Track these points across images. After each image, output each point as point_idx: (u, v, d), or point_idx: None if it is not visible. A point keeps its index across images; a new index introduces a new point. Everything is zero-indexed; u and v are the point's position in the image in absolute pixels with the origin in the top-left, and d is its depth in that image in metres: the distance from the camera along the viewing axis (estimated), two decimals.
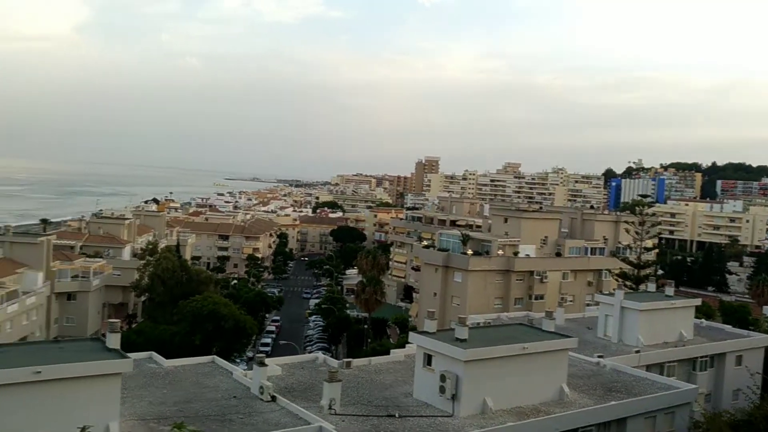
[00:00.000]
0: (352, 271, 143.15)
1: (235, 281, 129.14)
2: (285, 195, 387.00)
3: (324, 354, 44.31)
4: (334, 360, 39.83)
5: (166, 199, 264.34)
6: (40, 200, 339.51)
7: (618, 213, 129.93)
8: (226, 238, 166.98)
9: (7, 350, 26.99)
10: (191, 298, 72.81)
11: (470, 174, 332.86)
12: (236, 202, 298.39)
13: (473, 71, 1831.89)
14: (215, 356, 37.86)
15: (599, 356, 41.74)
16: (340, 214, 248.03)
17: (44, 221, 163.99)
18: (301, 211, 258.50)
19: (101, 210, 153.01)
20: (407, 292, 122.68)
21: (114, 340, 26.54)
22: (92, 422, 18.44)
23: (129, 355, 26.52)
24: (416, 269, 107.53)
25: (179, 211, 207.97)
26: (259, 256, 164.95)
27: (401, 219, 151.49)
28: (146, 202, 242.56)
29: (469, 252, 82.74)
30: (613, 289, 57.38)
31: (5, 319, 67.30)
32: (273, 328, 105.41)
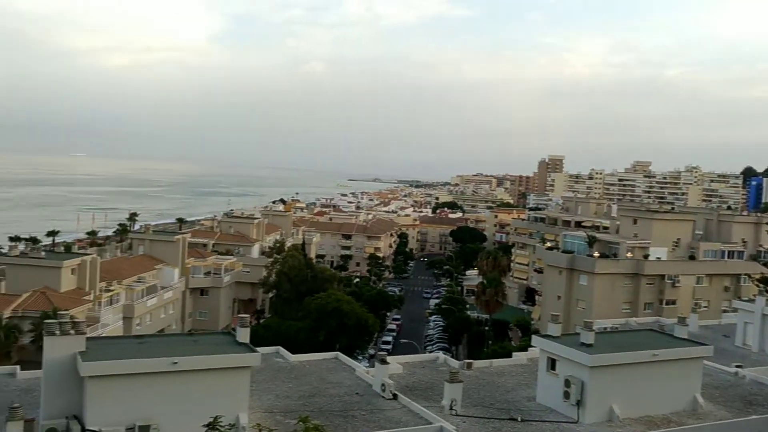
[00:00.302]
0: (473, 272, 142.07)
1: (358, 279, 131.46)
2: (405, 195, 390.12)
3: (444, 354, 44.20)
4: (455, 360, 39.59)
5: (292, 200, 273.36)
6: (176, 200, 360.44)
7: (759, 214, 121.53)
8: (348, 237, 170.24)
9: (148, 341, 28.76)
10: (316, 296, 74.81)
11: (596, 173, 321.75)
12: (358, 202, 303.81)
13: (600, 66, 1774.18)
14: (338, 352, 38.57)
15: (737, 366, 39.09)
16: (459, 214, 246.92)
17: (180, 220, 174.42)
18: (421, 212, 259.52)
19: (232, 210, 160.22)
20: (529, 295, 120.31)
21: (244, 335, 27.63)
22: (223, 412, 19.18)
23: (257, 349, 27.49)
24: (539, 271, 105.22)
25: (304, 211, 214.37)
26: (381, 255, 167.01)
27: (523, 220, 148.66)
28: (274, 202, 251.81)
29: (596, 254, 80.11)
30: (754, 296, 53.60)
31: (145, 312, 71.90)
32: (394, 327, 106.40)
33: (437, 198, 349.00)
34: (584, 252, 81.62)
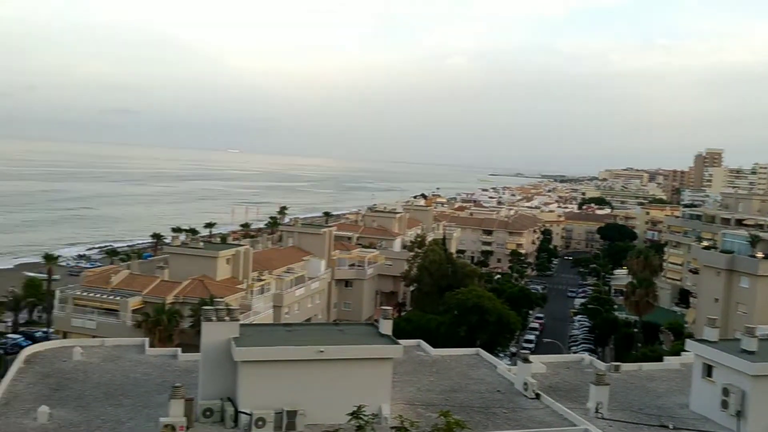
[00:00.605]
0: (621, 271, 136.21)
1: (499, 276, 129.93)
2: (549, 191, 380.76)
3: (590, 355, 42.75)
4: (601, 362, 38.24)
5: (433, 195, 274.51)
6: (323, 195, 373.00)
7: None
8: (489, 233, 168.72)
9: (296, 329, 29.95)
10: (456, 290, 74.64)
11: (761, 167, 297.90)
12: (500, 197, 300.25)
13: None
14: (479, 349, 38.35)
15: None
16: (607, 210, 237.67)
17: (326, 214, 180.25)
18: (566, 208, 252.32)
19: (375, 204, 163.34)
20: (683, 296, 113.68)
21: (386, 327, 28.09)
22: (366, 402, 19.56)
23: (399, 341, 27.84)
24: (694, 272, 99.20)
25: (445, 205, 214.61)
26: (523, 251, 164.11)
27: (677, 217, 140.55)
28: (415, 197, 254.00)
29: (759, 255, 74.42)
30: None
31: (294, 301, 74.87)
32: (536, 326, 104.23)
33: (583, 193, 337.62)
34: (746, 252, 76.17)
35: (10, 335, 75.25)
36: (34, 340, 63.09)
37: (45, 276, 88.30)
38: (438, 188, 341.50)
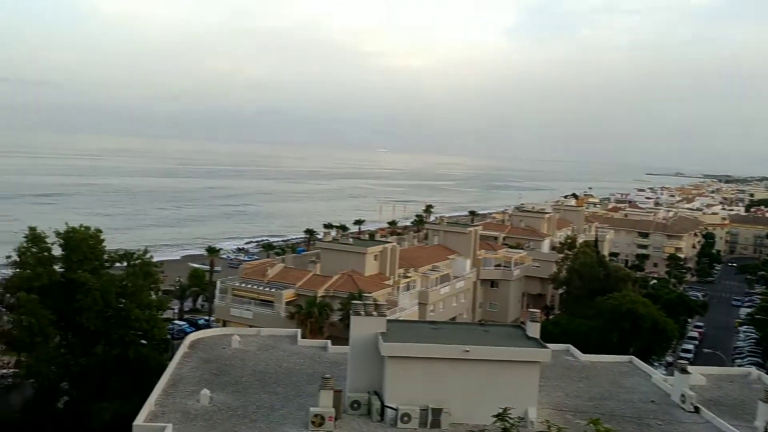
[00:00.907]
0: None
1: (655, 281, 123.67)
2: (712, 191, 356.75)
3: (758, 370, 39.58)
4: None
5: (584, 195, 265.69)
6: (469, 194, 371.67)
7: None
8: (645, 235, 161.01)
9: (441, 327, 30.00)
10: (609, 295, 71.80)
11: None
12: (657, 198, 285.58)
13: None
14: (633, 357, 36.67)
15: None
16: None
17: (472, 213, 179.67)
18: (731, 210, 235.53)
19: (523, 204, 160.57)
20: None
21: (534, 330, 27.52)
22: (511, 405, 19.19)
23: (547, 345, 27.15)
24: None
25: (598, 206, 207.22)
26: (682, 256, 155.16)
27: None
28: (565, 197, 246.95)
29: None
30: None
31: (439, 299, 75.14)
32: (695, 335, 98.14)
33: (752, 195, 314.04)
34: None
35: (176, 321, 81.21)
36: (197, 327, 67.77)
37: (208, 267, 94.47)
38: (590, 188, 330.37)
